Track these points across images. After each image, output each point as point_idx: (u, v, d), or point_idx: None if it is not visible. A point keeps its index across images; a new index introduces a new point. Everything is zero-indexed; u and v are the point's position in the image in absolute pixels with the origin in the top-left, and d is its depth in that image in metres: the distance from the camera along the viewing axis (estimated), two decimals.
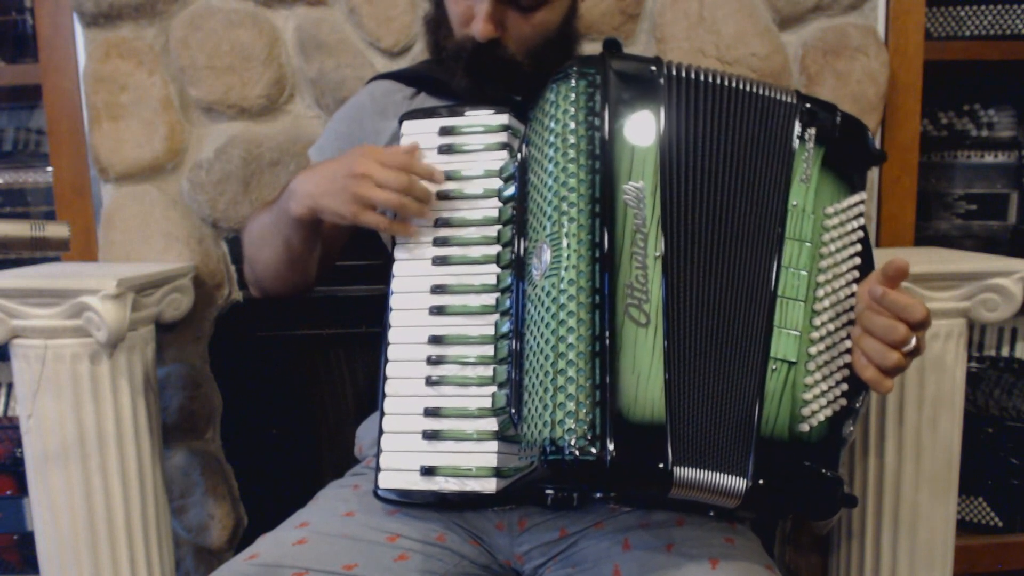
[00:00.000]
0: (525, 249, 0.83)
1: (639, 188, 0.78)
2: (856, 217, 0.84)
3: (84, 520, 1.20)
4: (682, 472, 0.74)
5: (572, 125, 0.80)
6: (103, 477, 1.20)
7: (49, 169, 1.57)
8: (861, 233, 0.84)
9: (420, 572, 0.86)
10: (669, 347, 0.75)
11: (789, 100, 0.86)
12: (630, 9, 1.38)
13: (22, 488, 1.50)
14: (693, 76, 0.83)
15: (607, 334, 0.74)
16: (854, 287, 0.81)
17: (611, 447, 0.72)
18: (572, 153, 0.79)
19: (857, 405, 0.80)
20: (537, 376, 0.76)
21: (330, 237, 1.06)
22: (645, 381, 0.74)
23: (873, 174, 1.46)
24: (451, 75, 0.99)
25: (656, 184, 0.79)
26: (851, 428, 0.79)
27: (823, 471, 0.77)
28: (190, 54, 1.36)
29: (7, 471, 1.51)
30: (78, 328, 1.16)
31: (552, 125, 0.81)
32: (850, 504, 0.79)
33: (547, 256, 0.78)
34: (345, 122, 1.11)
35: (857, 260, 0.83)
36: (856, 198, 0.84)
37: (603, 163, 0.78)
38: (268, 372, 1.10)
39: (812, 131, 0.85)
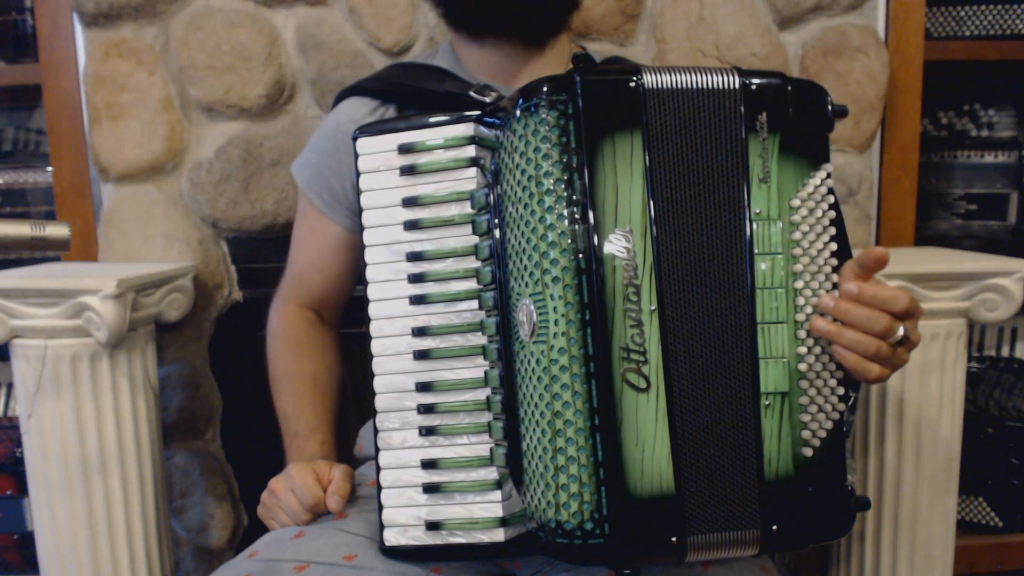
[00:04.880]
0: (508, 298, 0.77)
1: (627, 234, 0.71)
2: (825, 197, 0.75)
3: (84, 520, 1.20)
4: (695, 540, 0.71)
5: (545, 167, 0.72)
6: (103, 477, 1.20)
7: (49, 169, 1.56)
8: (833, 213, 0.75)
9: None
10: (673, 411, 0.71)
11: (729, 85, 0.74)
12: (630, 9, 1.38)
13: (22, 488, 1.50)
14: (671, 83, 0.73)
15: (606, 406, 0.70)
16: (834, 278, 0.75)
17: (619, 529, 0.69)
18: (549, 201, 0.71)
19: (854, 397, 0.75)
20: (536, 450, 0.73)
21: (339, 276, 1.11)
22: (651, 452, 0.70)
23: (873, 175, 1.46)
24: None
25: (646, 226, 0.71)
26: (852, 419, 0.76)
27: (833, 487, 0.74)
28: (190, 54, 1.35)
29: (7, 471, 1.51)
30: (78, 328, 1.16)
31: (524, 165, 0.73)
32: (863, 508, 0.76)
33: (533, 314, 0.73)
34: (327, 139, 1.08)
35: (834, 246, 0.75)
36: (821, 175, 0.75)
37: (584, 209, 0.71)
38: (268, 372, 1.10)
39: (763, 117, 0.74)
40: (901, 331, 0.73)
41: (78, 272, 1.25)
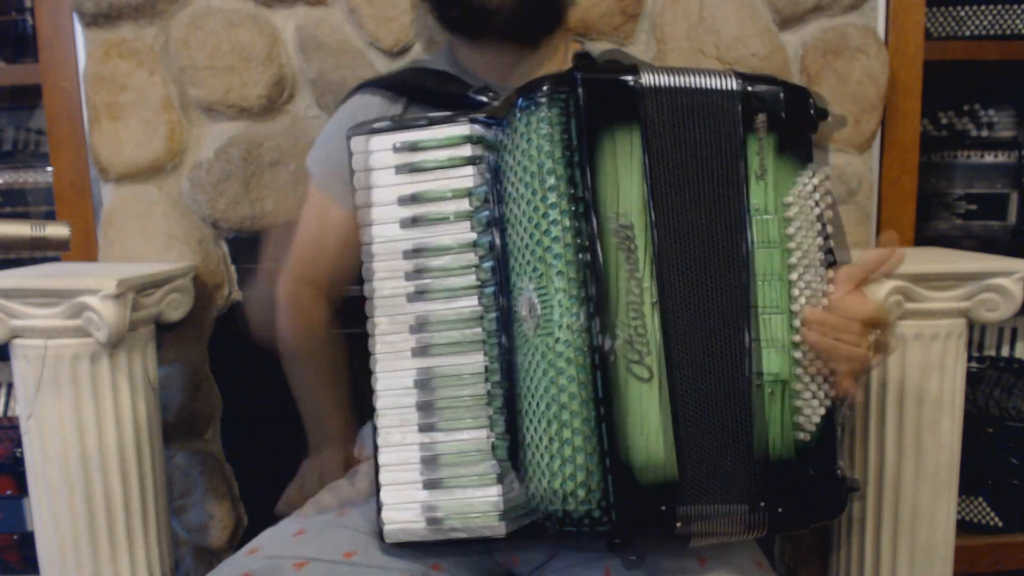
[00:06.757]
0: (509, 292, 0.78)
1: (628, 227, 0.73)
2: (811, 195, 0.78)
3: (84, 520, 1.20)
4: (700, 526, 0.73)
5: (548, 163, 0.73)
6: (103, 477, 1.20)
7: (49, 169, 1.56)
8: (819, 210, 0.78)
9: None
10: (675, 400, 0.73)
11: (731, 86, 0.77)
12: (630, 9, 1.38)
13: (22, 488, 1.50)
14: (669, 82, 0.76)
15: (610, 396, 0.71)
16: (827, 273, 0.78)
17: (625, 515, 0.71)
18: (552, 197, 0.73)
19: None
20: (541, 440, 0.74)
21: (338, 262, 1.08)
22: (655, 440, 0.72)
23: (873, 175, 1.46)
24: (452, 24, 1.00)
25: (646, 220, 0.73)
26: (842, 408, 0.78)
27: (828, 470, 0.77)
28: (190, 54, 1.35)
29: (7, 471, 1.51)
30: (78, 328, 1.16)
31: (526, 162, 0.75)
32: (854, 490, 0.78)
33: (537, 307, 0.74)
34: (340, 126, 1.08)
35: (821, 241, 0.78)
36: (809, 173, 0.78)
37: (586, 203, 0.73)
38: (268, 372, 1.10)
39: (762, 117, 0.76)
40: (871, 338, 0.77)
41: (78, 272, 1.25)
